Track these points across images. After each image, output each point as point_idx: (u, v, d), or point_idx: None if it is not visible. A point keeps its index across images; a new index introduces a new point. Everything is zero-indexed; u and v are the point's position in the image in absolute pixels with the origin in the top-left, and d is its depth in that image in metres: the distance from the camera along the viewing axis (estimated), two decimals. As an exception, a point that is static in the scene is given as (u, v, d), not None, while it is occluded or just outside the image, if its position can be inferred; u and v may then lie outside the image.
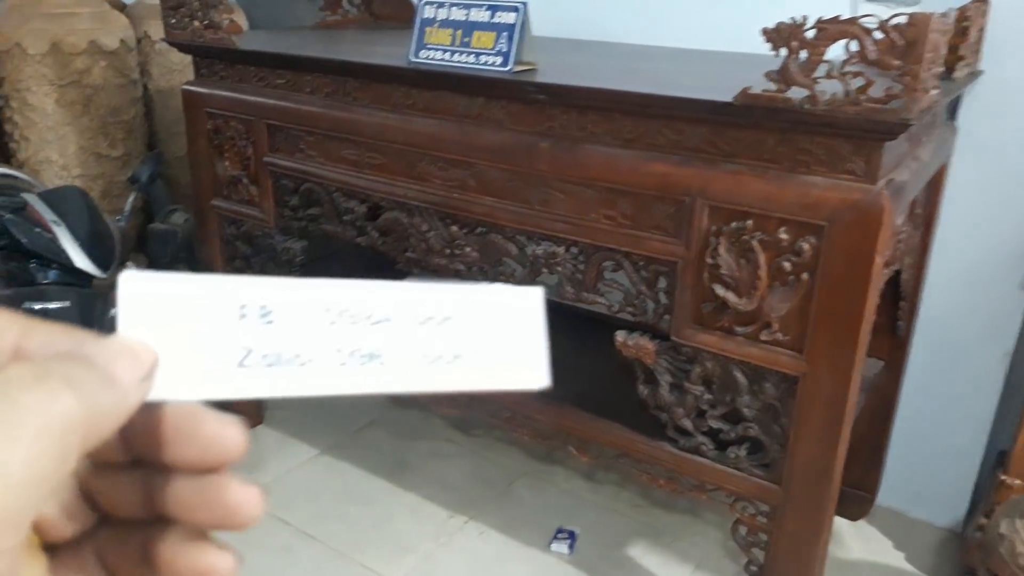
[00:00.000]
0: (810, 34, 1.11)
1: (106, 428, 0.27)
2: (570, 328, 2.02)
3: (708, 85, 1.46)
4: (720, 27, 1.97)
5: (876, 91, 1.09)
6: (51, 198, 1.47)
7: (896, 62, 1.06)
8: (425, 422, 2.45)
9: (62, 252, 1.37)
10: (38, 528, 0.31)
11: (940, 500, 2.05)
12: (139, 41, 2.63)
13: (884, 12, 1.80)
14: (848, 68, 1.09)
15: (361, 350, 0.33)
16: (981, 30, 1.60)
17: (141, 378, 0.28)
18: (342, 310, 0.33)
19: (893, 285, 1.65)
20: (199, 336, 0.30)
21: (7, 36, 2.32)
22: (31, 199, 1.43)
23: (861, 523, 2.09)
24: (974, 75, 1.61)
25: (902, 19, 1.06)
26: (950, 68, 1.44)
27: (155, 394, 0.29)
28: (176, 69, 2.65)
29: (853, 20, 1.08)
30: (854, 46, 1.09)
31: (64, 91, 2.40)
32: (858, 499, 2.05)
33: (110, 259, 1.45)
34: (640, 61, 1.79)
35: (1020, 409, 1.74)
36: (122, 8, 2.69)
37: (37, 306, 1.32)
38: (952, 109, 1.72)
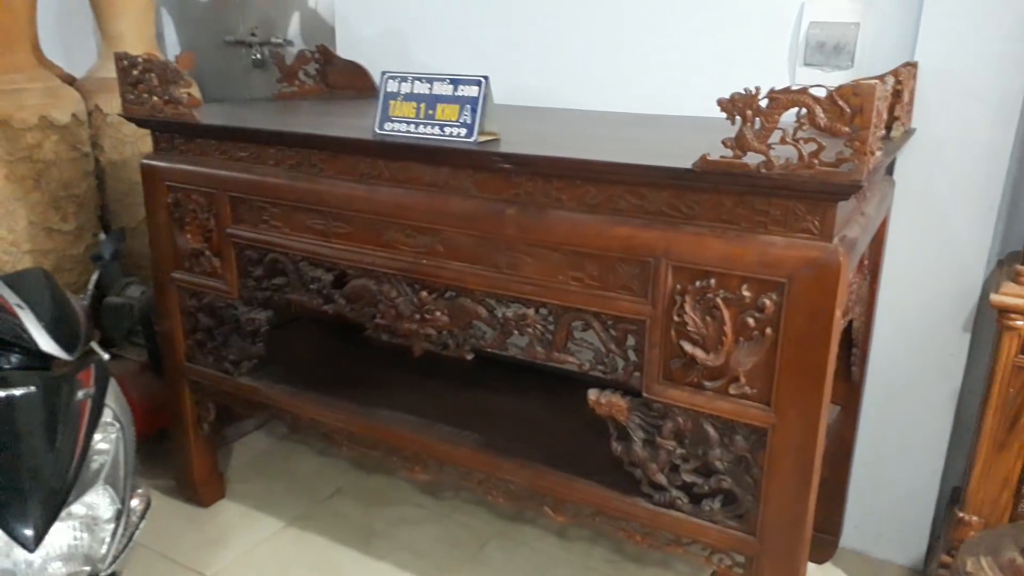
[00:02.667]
0: (763, 103, 1.18)
1: None
2: (541, 387, 2.04)
3: (668, 151, 1.53)
4: (673, 92, 2.07)
5: (828, 155, 1.16)
6: (14, 281, 1.44)
7: (845, 128, 1.13)
8: (392, 487, 2.42)
9: (27, 336, 1.35)
10: None
11: (901, 539, 2.11)
12: (90, 114, 2.61)
13: (820, 75, 1.92)
14: (800, 134, 1.16)
15: None
16: (912, 91, 1.71)
17: None
18: None
19: (845, 333, 1.72)
20: None
21: (-46, 113, 2.28)
22: (-7, 283, 1.41)
23: (827, 566, 2.13)
24: (908, 133, 1.72)
25: (848, 87, 1.13)
26: (888, 128, 1.54)
27: None
28: (128, 141, 2.63)
29: (804, 90, 1.15)
30: (805, 114, 1.16)
31: (14, 166, 2.37)
32: (823, 542, 2.09)
33: (76, 340, 1.43)
34: (599, 127, 1.86)
35: (971, 446, 1.81)
36: (72, 82, 2.67)
37: (2, 393, 1.29)
38: (889, 165, 1.83)
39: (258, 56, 3.11)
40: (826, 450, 1.84)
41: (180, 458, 2.27)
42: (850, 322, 1.68)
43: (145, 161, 1.98)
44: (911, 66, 1.68)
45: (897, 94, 1.57)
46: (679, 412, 1.43)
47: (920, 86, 1.75)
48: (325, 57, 2.47)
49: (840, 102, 1.14)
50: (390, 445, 1.84)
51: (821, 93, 1.15)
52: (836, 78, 1.86)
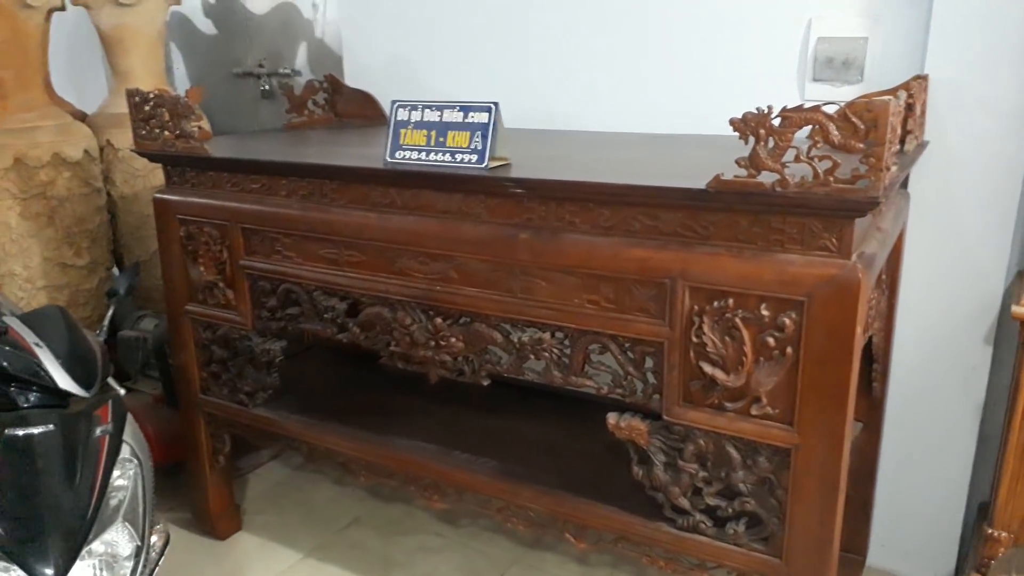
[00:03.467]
0: (776, 122, 1.17)
1: None
2: (559, 412, 2.03)
3: (680, 171, 1.53)
4: (681, 111, 2.07)
5: (843, 172, 1.15)
6: (32, 319, 1.45)
7: (860, 145, 1.12)
8: (410, 516, 2.40)
9: (45, 374, 1.35)
10: None
11: (928, 556, 2.07)
12: (102, 149, 2.63)
13: (830, 90, 1.91)
14: (815, 152, 1.15)
15: None
16: (924, 104, 1.70)
17: None
18: None
19: (865, 348, 1.70)
20: None
21: (-32, 153, 2.30)
22: (11, 322, 1.41)
23: (854, 586, 2.09)
24: (921, 146, 1.71)
25: (861, 103, 1.12)
26: (901, 142, 1.52)
27: None
28: (139, 175, 2.65)
29: (817, 108, 1.15)
30: (818, 131, 1.15)
31: (28, 204, 2.39)
32: (849, 561, 2.05)
33: (93, 377, 1.43)
34: (609, 148, 1.86)
35: (997, 461, 1.78)
36: (83, 118, 2.70)
37: (21, 432, 1.28)
38: (904, 177, 1.81)
39: (266, 87, 3.13)
40: (850, 468, 1.82)
41: (196, 491, 2.26)
42: (870, 337, 1.66)
43: (157, 195, 1.99)
44: (921, 79, 1.67)
45: (909, 107, 1.56)
46: (700, 434, 1.41)
47: (931, 99, 1.74)
48: (334, 86, 2.49)
49: (853, 119, 1.13)
50: (407, 473, 1.83)
51: (834, 110, 1.15)
52: (846, 93, 1.85)
